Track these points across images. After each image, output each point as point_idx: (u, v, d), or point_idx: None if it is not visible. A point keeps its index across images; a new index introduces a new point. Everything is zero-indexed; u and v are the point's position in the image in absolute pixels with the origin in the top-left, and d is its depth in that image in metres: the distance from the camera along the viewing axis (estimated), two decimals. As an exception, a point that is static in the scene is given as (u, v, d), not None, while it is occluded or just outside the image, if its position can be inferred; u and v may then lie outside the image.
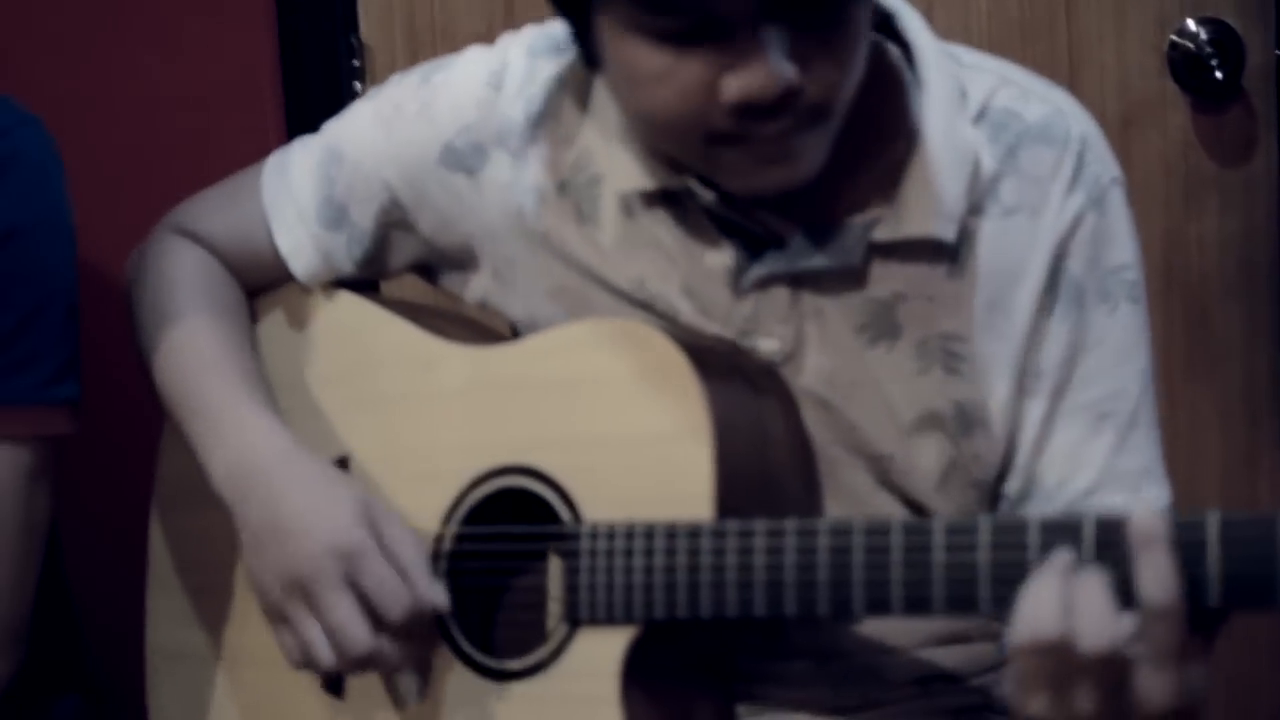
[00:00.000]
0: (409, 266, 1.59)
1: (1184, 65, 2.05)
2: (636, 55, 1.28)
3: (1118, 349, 1.40)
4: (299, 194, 1.57)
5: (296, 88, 2.07)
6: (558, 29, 1.46)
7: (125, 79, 2.06)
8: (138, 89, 2.07)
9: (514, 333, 1.56)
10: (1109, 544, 1.16)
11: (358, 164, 1.54)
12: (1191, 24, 2.04)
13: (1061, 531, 1.18)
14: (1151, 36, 2.05)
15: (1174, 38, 2.05)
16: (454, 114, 1.50)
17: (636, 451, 1.35)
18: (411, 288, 1.68)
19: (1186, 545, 1.13)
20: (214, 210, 1.62)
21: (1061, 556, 1.16)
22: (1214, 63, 2.04)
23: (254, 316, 1.61)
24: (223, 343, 1.53)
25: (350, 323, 1.58)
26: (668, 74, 1.27)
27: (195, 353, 1.52)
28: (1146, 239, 1.45)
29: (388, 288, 1.76)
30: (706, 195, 1.39)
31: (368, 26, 2.08)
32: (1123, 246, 1.41)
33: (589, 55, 1.38)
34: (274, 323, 1.61)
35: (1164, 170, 2.07)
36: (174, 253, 1.59)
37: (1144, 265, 1.43)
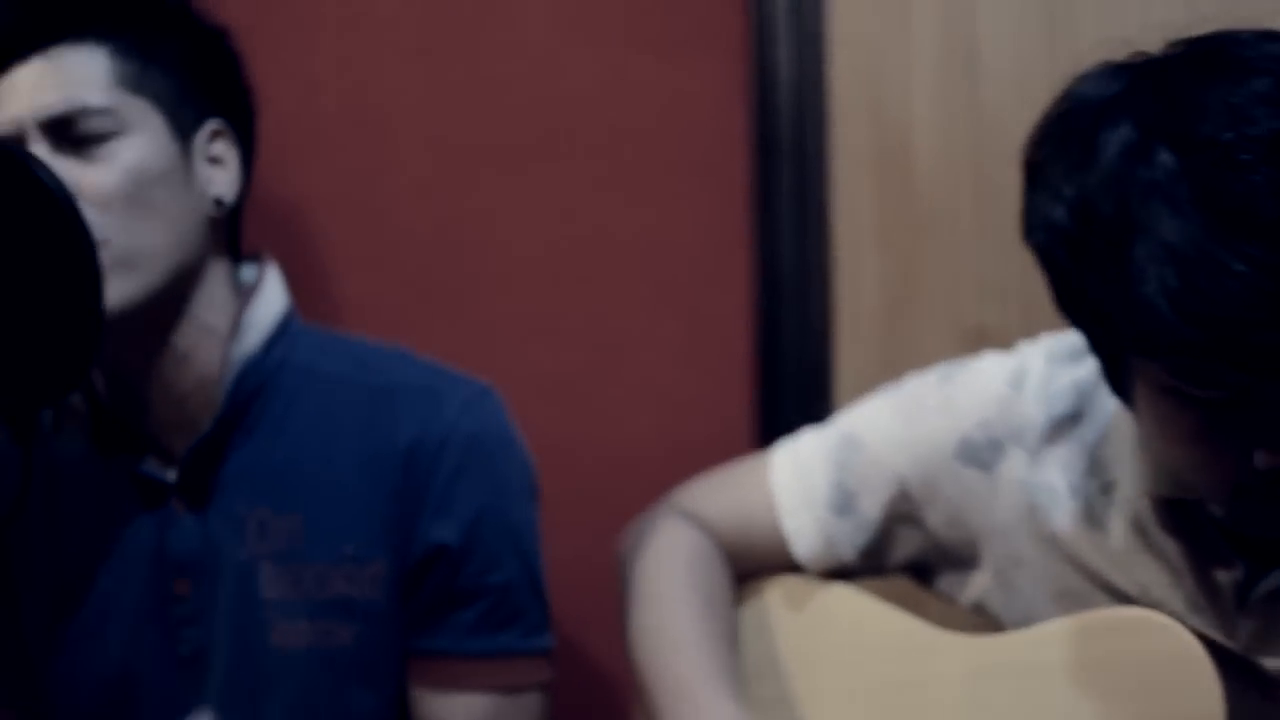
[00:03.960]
0: (907, 563, 1.58)
1: None
2: (1168, 413, 1.29)
3: None
4: (810, 477, 1.59)
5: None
6: (1076, 338, 1.48)
7: (613, 426, 2.11)
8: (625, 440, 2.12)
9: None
10: None
11: (873, 453, 1.56)
12: None
13: None
14: None
15: None
16: (974, 409, 1.52)
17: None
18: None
19: None
20: (715, 492, 1.65)
21: None
22: None
23: (738, 600, 1.61)
24: (702, 630, 1.55)
25: (837, 610, 1.57)
26: (1199, 437, 1.27)
27: (675, 635, 1.55)
28: None
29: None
30: (1221, 511, 1.37)
31: (843, 396, 2.11)
32: None
33: (1117, 387, 1.38)
34: (757, 609, 1.61)
35: None
36: (671, 532, 1.63)
37: None
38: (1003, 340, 1.65)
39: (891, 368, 2.01)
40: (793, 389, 2.13)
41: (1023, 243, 1.32)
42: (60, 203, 0.98)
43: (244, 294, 1.71)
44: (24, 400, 1.03)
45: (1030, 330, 1.59)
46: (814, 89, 2.13)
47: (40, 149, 1.57)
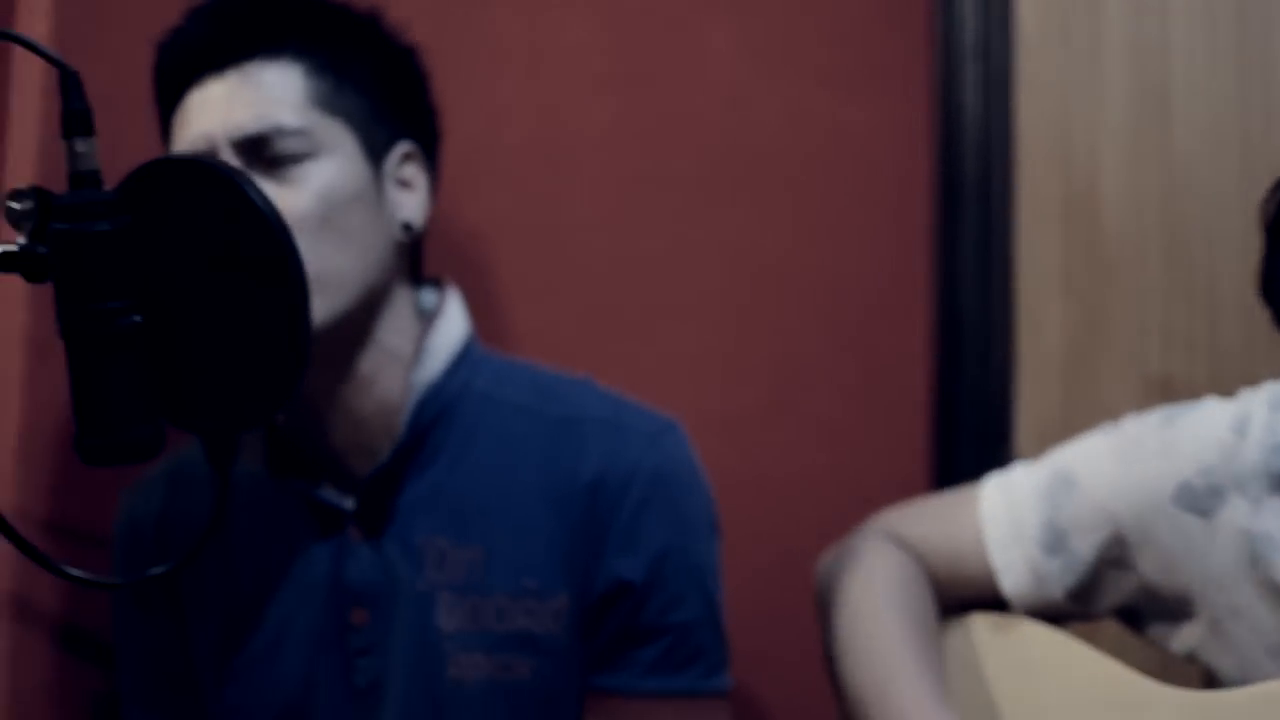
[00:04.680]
0: (1117, 609, 1.55)
1: None
2: None
3: None
4: (1021, 513, 1.56)
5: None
6: (1301, 386, 1.46)
7: (790, 464, 2.10)
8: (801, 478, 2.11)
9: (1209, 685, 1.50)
10: None
11: (1088, 492, 1.53)
12: None
13: None
14: None
15: None
16: (1195, 454, 1.49)
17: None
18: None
19: None
20: (924, 518, 1.63)
21: None
22: None
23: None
24: (915, 649, 1.52)
25: (1046, 653, 1.54)
26: None
27: (887, 654, 1.51)
28: None
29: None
30: None
31: (1023, 441, 2.08)
32: None
33: None
34: (961, 642, 1.59)
35: None
36: (879, 553, 1.60)
37: None
38: (1189, 391, 1.63)
39: (1073, 416, 1.99)
40: (971, 434, 2.10)
41: (1258, 297, 1.30)
42: (271, 224, 0.97)
43: (426, 319, 1.69)
44: (226, 424, 1.02)
45: (1218, 381, 1.57)
46: (1000, 131, 2.11)
47: None
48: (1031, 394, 2.08)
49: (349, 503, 1.66)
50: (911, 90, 2.11)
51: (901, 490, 2.08)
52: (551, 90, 2.06)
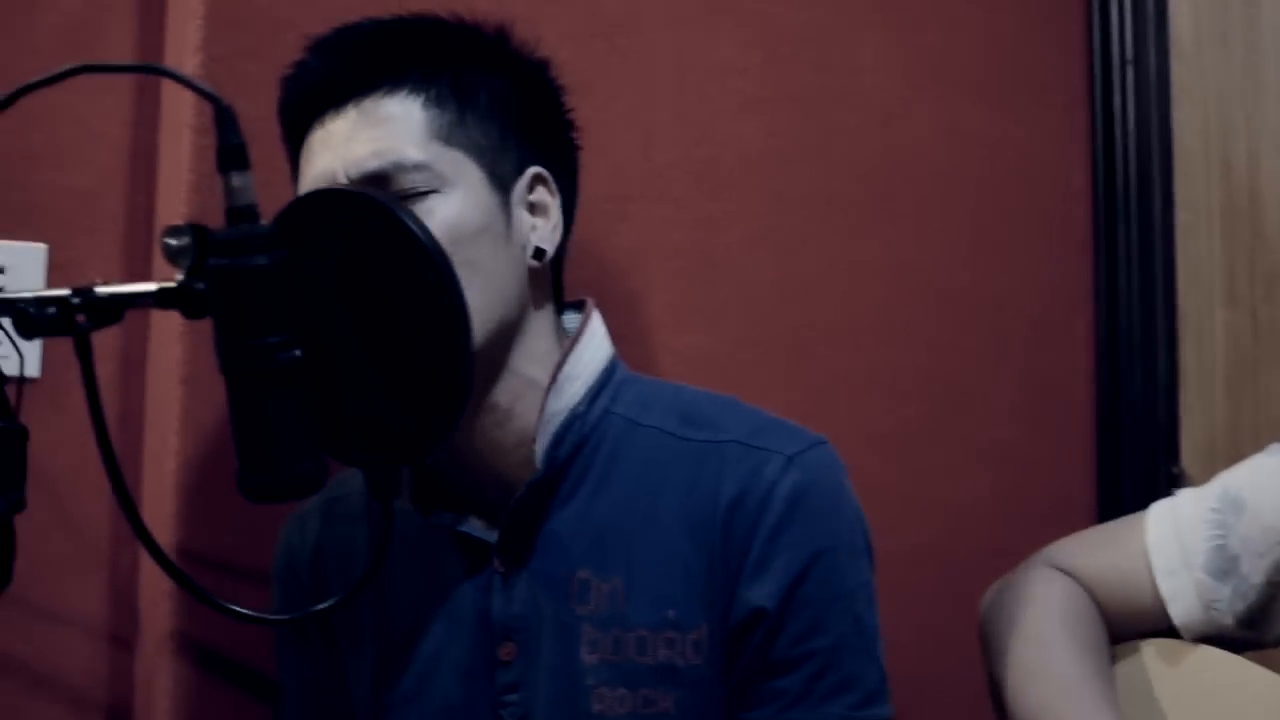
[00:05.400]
0: (1294, 636, 1.51)
1: None
2: None
3: None
4: (1188, 539, 1.52)
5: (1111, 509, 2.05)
6: None
7: (951, 484, 2.07)
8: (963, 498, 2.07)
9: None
10: None
11: (1257, 515, 1.49)
12: None
13: None
14: None
15: None
16: None
17: None
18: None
19: None
20: (1090, 548, 1.59)
21: None
22: None
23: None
24: (1088, 675, 1.49)
25: (1221, 679, 1.50)
26: None
27: (1061, 680, 1.48)
28: None
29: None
30: None
31: (1189, 456, 2.04)
32: None
33: None
34: (1133, 668, 1.55)
35: None
36: (1045, 583, 1.57)
37: None
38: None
39: (1240, 428, 1.94)
40: (1137, 449, 2.06)
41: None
42: (430, 252, 0.96)
43: (566, 343, 1.67)
44: (389, 456, 1.01)
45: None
46: (1157, 140, 2.07)
47: None
48: (1197, 407, 2.04)
49: (493, 535, 1.64)
50: (1067, 101, 2.08)
51: (1066, 508, 2.05)
52: (701, 110, 2.05)
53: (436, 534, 1.64)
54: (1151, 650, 1.55)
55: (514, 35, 1.65)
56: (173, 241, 0.98)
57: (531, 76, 1.65)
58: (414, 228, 0.95)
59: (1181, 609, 1.53)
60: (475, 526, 1.63)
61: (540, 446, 1.59)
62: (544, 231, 1.62)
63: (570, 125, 1.69)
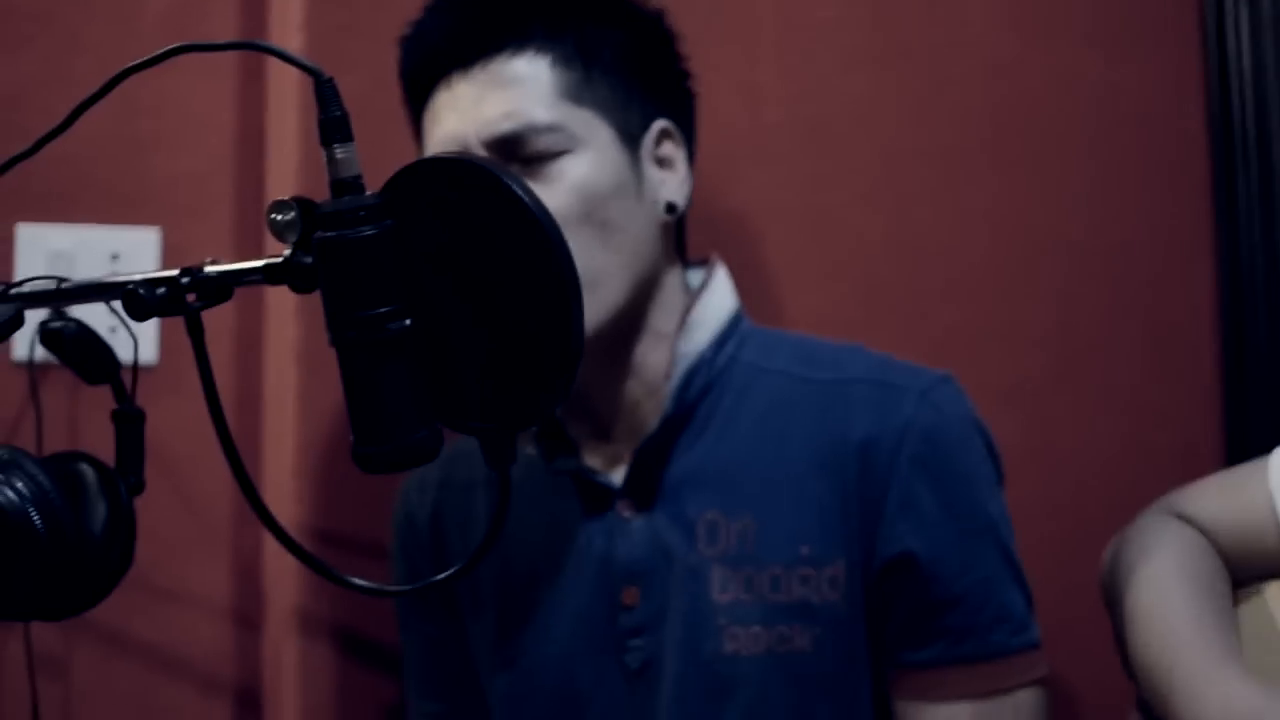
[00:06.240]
0: None
1: None
2: None
3: None
4: None
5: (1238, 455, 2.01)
6: None
7: (1074, 434, 2.04)
8: (1087, 448, 2.04)
9: None
10: None
11: None
12: None
13: None
14: None
15: None
16: None
17: None
18: None
19: None
20: (1211, 494, 1.56)
21: None
22: None
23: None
24: (1206, 617, 1.45)
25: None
26: None
27: (1178, 626, 1.45)
28: None
29: None
30: None
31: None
32: None
33: None
34: (1252, 616, 1.52)
35: None
36: (1163, 530, 1.54)
37: None
38: None
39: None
40: (1263, 393, 2.02)
41: None
42: (539, 219, 0.95)
43: (693, 296, 1.66)
44: (503, 423, 1.00)
45: None
46: (1275, 82, 2.03)
47: None
48: (1323, 349, 2.00)
49: (617, 479, 1.64)
50: (1181, 42, 2.03)
51: (1194, 456, 2.02)
52: (808, 68, 2.03)
53: (559, 481, 1.65)
54: (1274, 590, 1.52)
55: None
56: (278, 216, 0.98)
57: (651, 28, 1.65)
58: (520, 193, 0.94)
59: (1316, 546, 1.50)
60: (600, 471, 1.63)
61: (668, 390, 1.59)
62: (673, 185, 1.62)
63: (688, 74, 1.69)
